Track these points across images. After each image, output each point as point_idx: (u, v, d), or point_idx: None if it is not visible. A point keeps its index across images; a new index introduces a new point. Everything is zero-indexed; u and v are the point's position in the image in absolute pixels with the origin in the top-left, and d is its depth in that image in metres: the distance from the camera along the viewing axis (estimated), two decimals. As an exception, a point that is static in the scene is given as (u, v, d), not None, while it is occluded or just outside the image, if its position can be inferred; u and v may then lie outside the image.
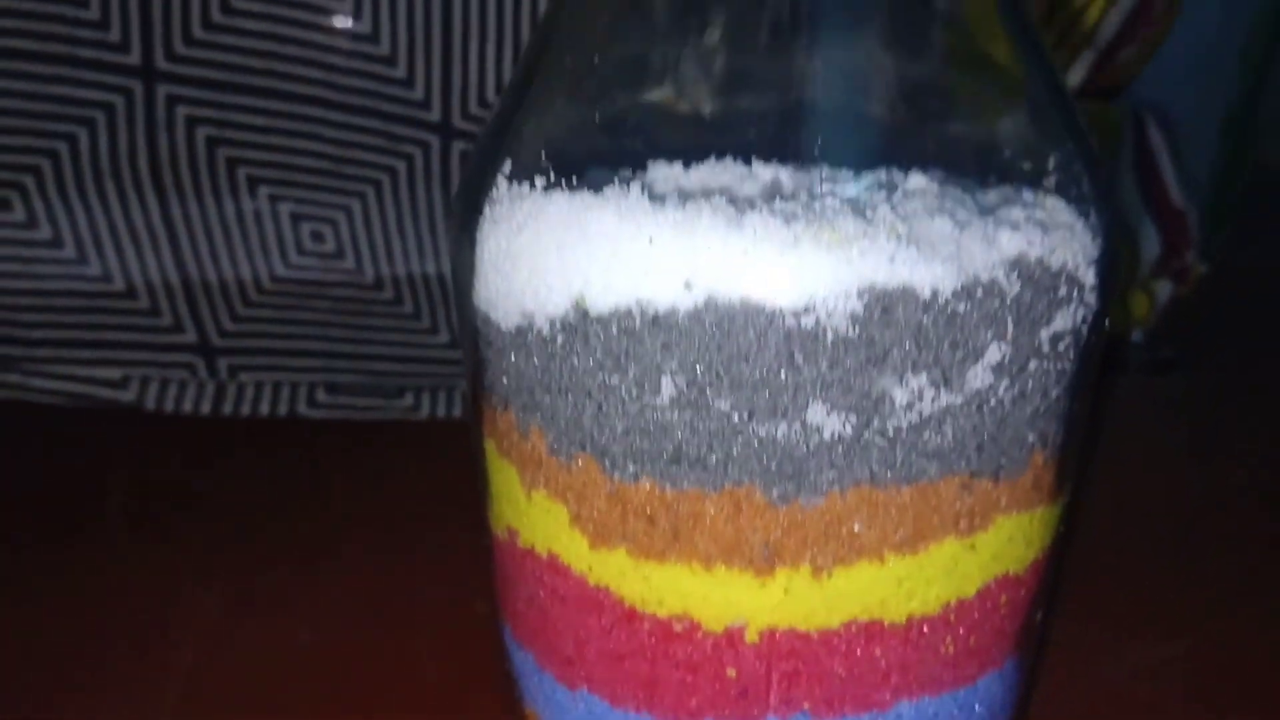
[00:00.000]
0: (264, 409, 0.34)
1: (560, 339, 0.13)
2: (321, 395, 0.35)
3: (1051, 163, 0.14)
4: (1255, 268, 0.68)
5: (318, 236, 0.34)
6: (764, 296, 0.11)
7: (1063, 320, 0.13)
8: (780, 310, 0.11)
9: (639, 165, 0.15)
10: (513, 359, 0.13)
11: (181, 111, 0.31)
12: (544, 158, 0.15)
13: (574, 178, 0.15)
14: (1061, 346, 0.13)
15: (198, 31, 0.30)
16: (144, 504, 0.32)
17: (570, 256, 0.12)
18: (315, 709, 0.23)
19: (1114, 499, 0.35)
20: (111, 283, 0.33)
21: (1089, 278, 0.13)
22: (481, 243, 0.14)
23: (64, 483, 0.33)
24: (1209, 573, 0.32)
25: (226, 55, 0.31)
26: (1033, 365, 0.13)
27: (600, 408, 0.13)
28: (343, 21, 0.31)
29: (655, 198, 0.12)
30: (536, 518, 0.14)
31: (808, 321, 0.11)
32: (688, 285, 0.12)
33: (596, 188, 0.13)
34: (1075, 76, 0.41)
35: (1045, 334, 0.12)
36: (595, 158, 0.15)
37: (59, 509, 0.31)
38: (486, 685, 0.21)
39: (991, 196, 0.14)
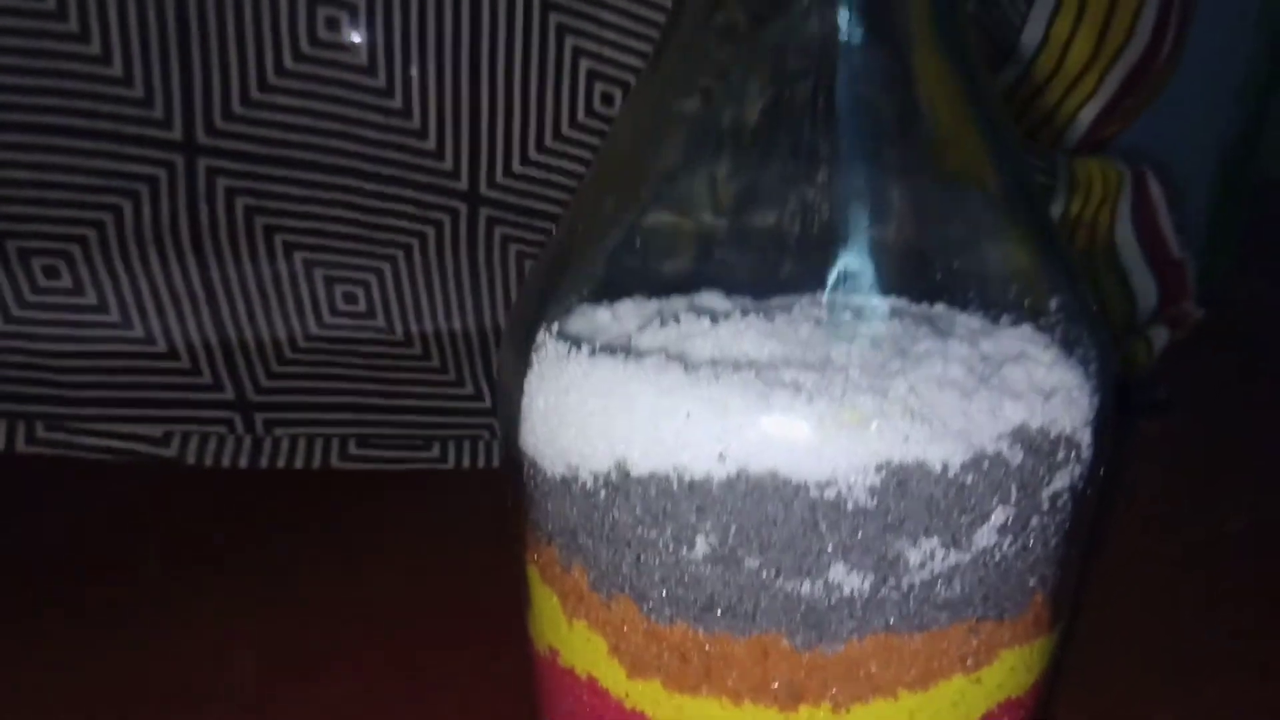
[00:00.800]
0: (299, 462, 0.36)
1: (603, 493, 0.14)
2: (353, 448, 0.36)
3: (1054, 314, 0.16)
4: (1252, 305, 0.69)
5: (350, 298, 0.35)
6: (790, 470, 0.13)
7: (1061, 480, 0.14)
8: (805, 483, 0.13)
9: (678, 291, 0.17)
10: (557, 503, 0.15)
11: (221, 183, 0.32)
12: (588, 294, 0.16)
13: (614, 307, 0.17)
14: (1060, 502, 0.14)
15: (237, 107, 0.32)
16: (182, 558, 0.33)
17: (613, 422, 0.14)
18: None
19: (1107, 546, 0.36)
20: (154, 344, 0.34)
21: (1085, 438, 0.14)
22: (530, 395, 0.15)
23: (102, 536, 0.34)
24: (1206, 627, 0.33)
25: (264, 130, 0.32)
26: (1034, 522, 0.14)
27: (639, 557, 0.14)
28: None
29: (691, 367, 0.14)
30: (577, 644, 0.15)
31: (830, 493, 0.13)
32: (721, 457, 0.13)
33: (637, 344, 0.15)
34: (1077, 132, 0.43)
35: (1045, 494, 0.14)
36: (635, 286, 0.17)
37: (98, 563, 0.32)
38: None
39: (998, 343, 0.15)
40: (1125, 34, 0.41)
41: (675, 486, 0.13)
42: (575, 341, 0.15)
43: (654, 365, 0.14)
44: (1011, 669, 0.15)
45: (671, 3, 0.16)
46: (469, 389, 0.38)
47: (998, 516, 0.13)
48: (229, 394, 0.35)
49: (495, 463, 0.38)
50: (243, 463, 0.35)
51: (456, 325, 0.37)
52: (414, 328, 0.37)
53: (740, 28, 0.16)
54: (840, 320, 0.15)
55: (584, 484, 0.14)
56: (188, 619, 0.30)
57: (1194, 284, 0.46)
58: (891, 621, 0.13)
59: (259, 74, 0.31)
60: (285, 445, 0.36)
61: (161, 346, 0.34)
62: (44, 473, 0.35)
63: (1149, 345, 0.45)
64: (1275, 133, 0.74)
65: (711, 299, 0.18)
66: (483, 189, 0.34)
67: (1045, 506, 0.14)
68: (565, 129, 0.34)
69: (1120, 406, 0.44)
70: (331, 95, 0.32)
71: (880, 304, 0.16)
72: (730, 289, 0.17)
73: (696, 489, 0.13)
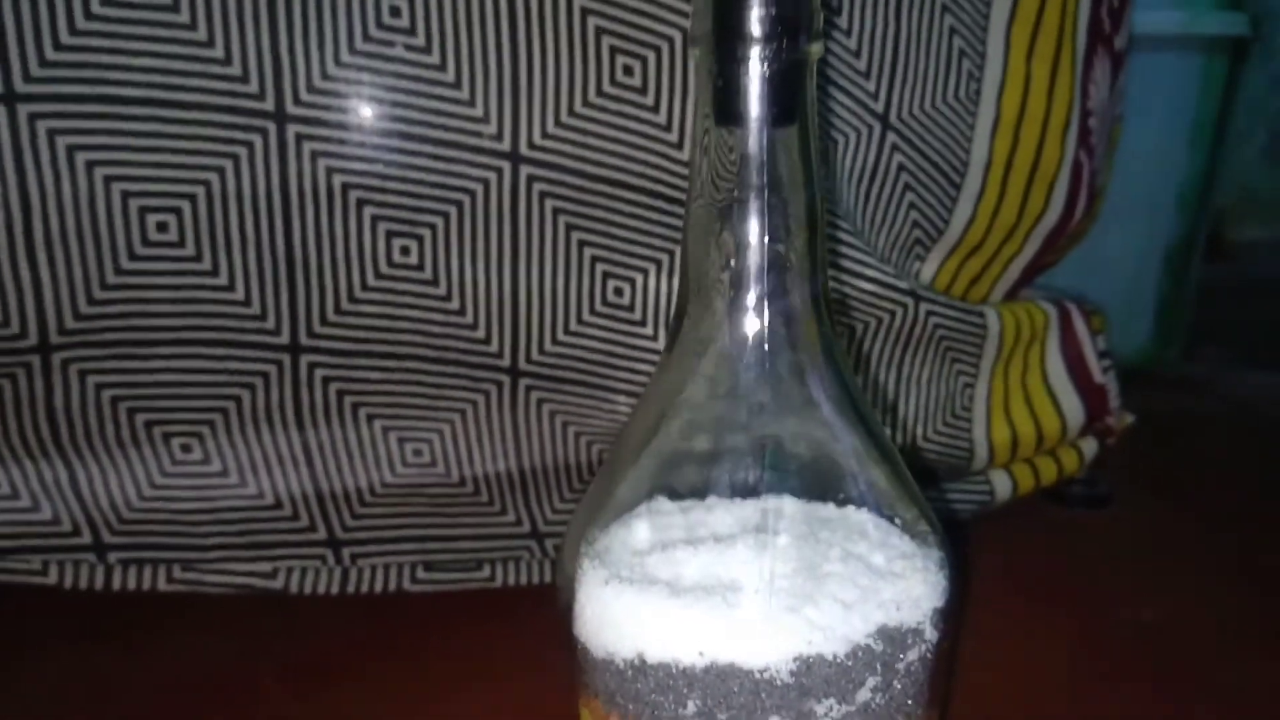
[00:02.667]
0: (378, 587, 0.45)
1: (629, 672, 0.23)
2: (421, 573, 0.45)
3: (917, 529, 0.24)
4: (1201, 390, 0.77)
5: (417, 452, 0.44)
6: (742, 661, 0.21)
7: (911, 655, 0.22)
8: (751, 669, 0.21)
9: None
10: (600, 674, 0.23)
11: (319, 374, 0.42)
12: (613, 533, 0.25)
13: (633, 527, 0.25)
14: (911, 669, 0.23)
15: (331, 315, 0.41)
16: (292, 668, 0.42)
17: (634, 630, 0.22)
18: None
19: (1022, 629, 0.44)
20: (264, 498, 0.43)
21: (926, 628, 0.23)
22: (579, 602, 0.24)
23: (226, 653, 0.43)
24: (1109, 705, 0.41)
25: (352, 331, 0.41)
26: (895, 683, 0.22)
27: (653, 712, 0.22)
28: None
29: (680, 591, 0.22)
30: (616, 762, 0.24)
31: (766, 675, 0.21)
32: (700, 653, 0.22)
33: (648, 568, 0.23)
34: (1001, 289, 0.52)
35: (900, 666, 0.22)
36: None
37: (223, 680, 0.41)
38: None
39: (876, 554, 0.24)
40: (1043, 203, 0.50)
41: (674, 670, 0.22)
42: (607, 567, 0.23)
43: (657, 593, 0.22)
44: (891, 774, 0.23)
45: (672, 320, 0.25)
46: (511, 517, 0.47)
47: (870, 683, 0.22)
48: (322, 534, 0.44)
49: (534, 580, 0.47)
50: (334, 590, 0.44)
51: (501, 468, 0.46)
52: (467, 472, 0.45)
53: (705, 350, 0.25)
54: (774, 545, 0.24)
55: (617, 665, 0.23)
56: (298, 713, 0.39)
57: (1116, 401, 0.54)
58: (808, 750, 0.22)
59: (349, 289, 0.41)
60: (367, 573, 0.45)
61: (270, 500, 0.43)
62: (181, 604, 0.44)
63: (1080, 454, 0.54)
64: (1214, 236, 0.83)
65: (710, 514, 0.26)
66: (521, 365, 0.43)
67: (901, 673, 0.22)
68: (585, 316, 0.43)
69: (1064, 500, 0.53)
70: (404, 302, 0.41)
71: (803, 519, 0.25)
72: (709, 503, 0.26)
73: (686, 672, 0.22)
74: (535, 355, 0.43)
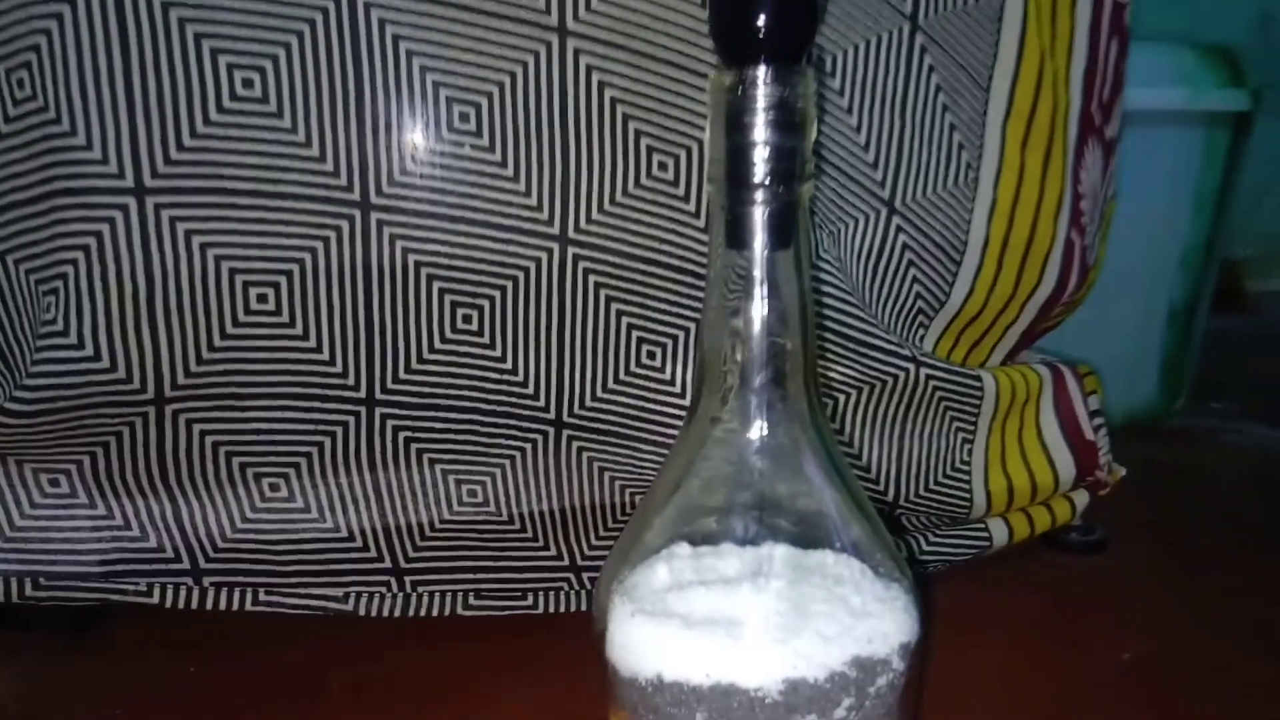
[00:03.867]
0: (435, 611, 0.50)
1: (649, 689, 0.28)
2: (473, 600, 0.51)
3: (904, 582, 0.30)
4: (1201, 440, 0.81)
5: (472, 493, 0.50)
6: (741, 682, 0.27)
7: (881, 681, 0.28)
8: (748, 689, 0.27)
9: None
10: (626, 691, 0.29)
11: (390, 424, 0.48)
12: (639, 572, 0.30)
13: (655, 569, 0.31)
14: (881, 693, 0.28)
15: (402, 374, 0.47)
16: (357, 674, 0.48)
17: (653, 655, 0.28)
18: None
19: (1010, 664, 0.49)
20: (339, 531, 0.49)
21: (895, 660, 0.28)
22: (611, 629, 0.29)
23: (303, 666, 0.49)
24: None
25: (419, 388, 0.47)
26: (867, 704, 0.28)
27: (670, 721, 0.28)
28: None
29: (691, 624, 0.28)
30: (639, 762, 0.29)
31: (759, 694, 0.27)
32: (707, 675, 0.27)
33: (667, 603, 0.29)
34: (1000, 353, 0.57)
35: (871, 690, 0.28)
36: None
37: (299, 679, 0.47)
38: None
39: (860, 597, 0.29)
40: (1037, 278, 0.55)
41: (686, 688, 0.27)
42: (633, 601, 0.29)
43: (673, 625, 0.28)
44: (864, 777, 0.28)
45: (688, 409, 0.31)
46: (552, 551, 0.52)
47: (845, 703, 0.27)
48: (387, 564, 0.50)
49: (571, 608, 0.52)
50: (396, 613, 0.50)
51: (544, 508, 0.51)
52: (515, 511, 0.51)
53: (717, 423, 0.31)
54: (770, 587, 0.29)
55: (640, 683, 0.28)
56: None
57: (1106, 457, 0.59)
58: (794, 755, 0.27)
59: (418, 351, 0.47)
60: (426, 599, 0.51)
61: (344, 533, 0.49)
62: (261, 622, 0.50)
63: (1072, 505, 0.59)
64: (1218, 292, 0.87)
65: (719, 559, 0.32)
66: (565, 418, 0.49)
67: (872, 695, 0.28)
68: (622, 376, 0.49)
69: (1062, 546, 0.58)
70: (464, 363, 0.47)
71: (794, 564, 0.30)
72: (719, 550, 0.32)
73: (696, 690, 0.27)
74: (577, 409, 0.49)
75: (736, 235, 0.29)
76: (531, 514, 0.51)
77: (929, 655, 0.46)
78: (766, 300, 0.29)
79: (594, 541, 0.53)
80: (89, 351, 0.43)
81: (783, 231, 0.29)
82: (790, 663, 0.27)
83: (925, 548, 0.56)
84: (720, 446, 0.31)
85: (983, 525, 0.57)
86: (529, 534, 0.52)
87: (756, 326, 0.29)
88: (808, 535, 0.30)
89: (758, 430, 0.30)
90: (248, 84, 0.42)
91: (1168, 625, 0.55)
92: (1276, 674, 0.50)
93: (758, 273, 0.29)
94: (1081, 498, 0.59)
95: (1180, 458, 0.78)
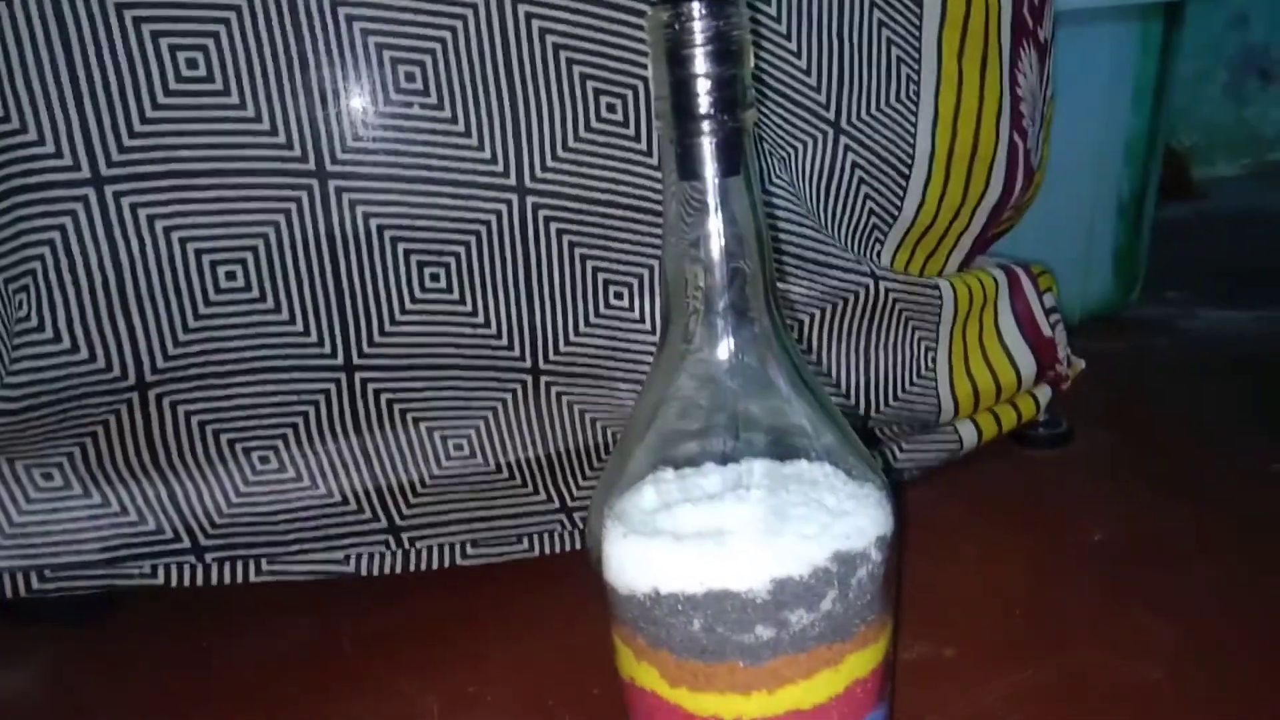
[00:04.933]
0: (434, 564, 0.52)
1: (648, 602, 0.30)
2: (469, 549, 0.53)
3: (876, 480, 0.31)
4: (1151, 342, 0.84)
5: (458, 447, 0.51)
6: (733, 587, 0.29)
7: (861, 573, 0.30)
8: (739, 592, 0.29)
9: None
10: (625, 606, 0.31)
11: (371, 387, 0.49)
12: (630, 485, 0.32)
13: (643, 491, 0.32)
14: (863, 584, 0.30)
15: (376, 336, 0.48)
16: (365, 635, 0.50)
17: (648, 569, 0.30)
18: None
19: (988, 554, 0.51)
20: (332, 497, 0.50)
21: (873, 552, 0.30)
22: (606, 550, 0.31)
23: (311, 628, 0.51)
24: (1057, 613, 0.48)
25: (396, 349, 0.48)
26: (850, 594, 0.30)
27: (668, 632, 0.30)
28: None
29: (682, 538, 0.30)
30: (642, 673, 0.31)
31: (749, 595, 0.29)
32: (700, 583, 0.29)
33: (657, 522, 0.31)
34: (956, 261, 0.58)
35: (853, 582, 0.29)
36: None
37: (311, 641, 0.49)
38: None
39: (830, 497, 0.31)
40: (984, 183, 0.57)
41: (681, 598, 0.29)
42: (624, 524, 0.31)
43: (664, 541, 0.30)
44: (854, 664, 0.30)
45: (659, 333, 0.32)
46: (542, 496, 0.54)
47: (830, 595, 0.29)
48: (383, 523, 0.51)
49: (566, 548, 0.54)
50: (397, 569, 0.52)
51: (530, 454, 0.53)
52: (502, 460, 0.53)
53: (687, 349, 0.32)
54: (751, 497, 0.31)
55: (638, 598, 0.30)
56: (379, 673, 0.46)
57: (1065, 351, 0.61)
58: (788, 649, 0.29)
59: (390, 313, 0.48)
60: (424, 554, 0.52)
61: (337, 498, 0.50)
62: (272, 593, 0.51)
63: (1036, 401, 0.61)
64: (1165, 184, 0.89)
65: (689, 478, 0.33)
66: (541, 365, 0.50)
67: (853, 587, 0.30)
68: (592, 319, 0.50)
69: (1029, 441, 0.61)
70: (437, 320, 0.48)
71: (772, 474, 0.32)
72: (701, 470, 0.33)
73: (692, 599, 0.29)
74: (552, 356, 0.50)
75: (687, 166, 0.30)
76: (518, 462, 0.53)
77: (906, 550, 0.48)
78: (722, 226, 0.30)
79: (582, 483, 0.54)
80: (66, 344, 0.44)
81: (731, 158, 0.30)
82: (776, 564, 0.29)
83: (899, 455, 0.58)
84: (692, 372, 0.32)
85: (952, 429, 0.59)
86: (518, 481, 0.53)
87: (715, 252, 0.31)
88: (782, 447, 0.32)
89: (726, 352, 0.32)
90: (191, 64, 0.42)
91: (1135, 506, 0.57)
92: (1239, 539, 0.52)
93: (711, 201, 0.30)
94: (1044, 393, 0.61)
95: (1138, 347, 0.81)
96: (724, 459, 0.33)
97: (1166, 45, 0.82)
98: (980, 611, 0.48)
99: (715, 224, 0.30)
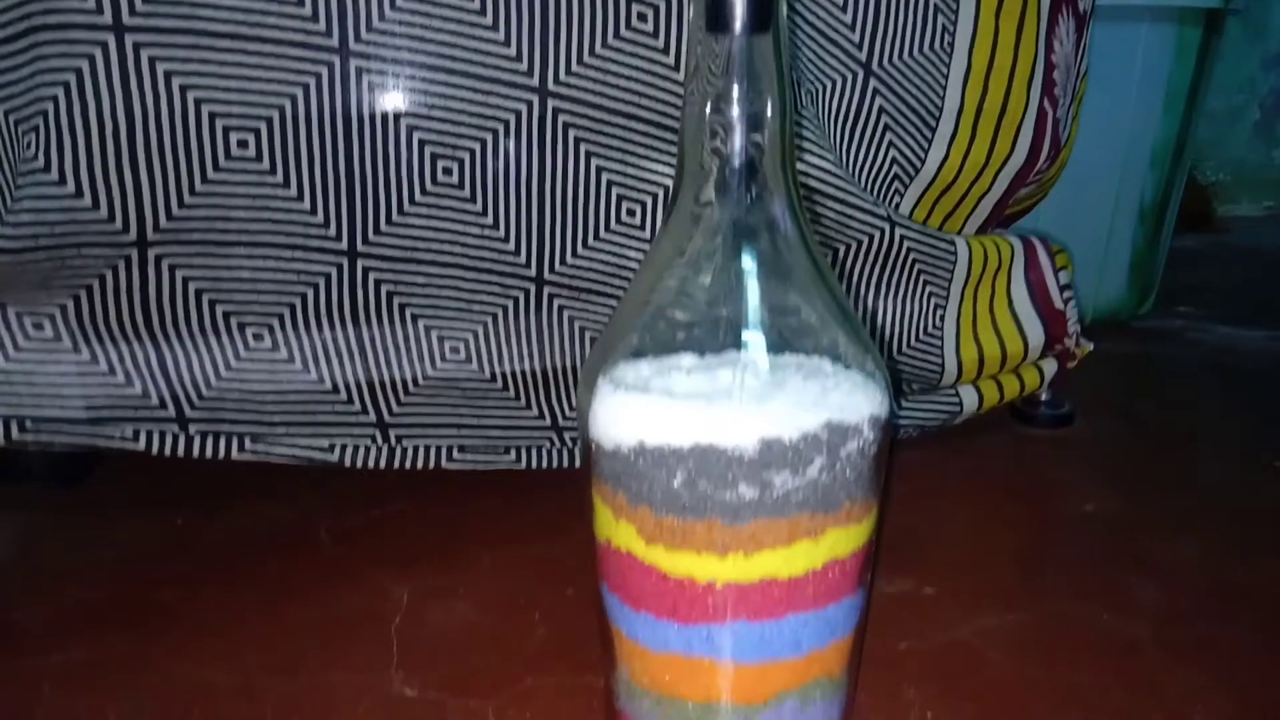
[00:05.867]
0: (419, 464, 0.51)
1: (632, 456, 0.29)
2: (456, 454, 0.52)
3: (861, 361, 0.31)
4: (1163, 349, 0.83)
5: (454, 350, 0.51)
6: (719, 443, 0.28)
7: (850, 446, 0.29)
8: (725, 448, 0.28)
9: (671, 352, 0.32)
10: (609, 461, 0.30)
11: (372, 276, 0.48)
12: (625, 358, 0.31)
13: (639, 362, 0.32)
14: (852, 459, 0.29)
15: (383, 226, 0.48)
16: (345, 525, 0.49)
17: (636, 423, 0.29)
18: (476, 653, 0.39)
19: (979, 514, 0.51)
20: (323, 384, 0.50)
21: (865, 428, 0.29)
22: (595, 406, 0.30)
23: (288, 514, 0.50)
24: (1042, 568, 0.47)
25: (400, 239, 0.48)
26: (838, 466, 0.29)
27: (649, 486, 0.29)
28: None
29: (673, 396, 0.29)
30: (620, 532, 0.30)
31: (736, 452, 0.28)
32: (687, 437, 0.28)
33: (650, 383, 0.30)
34: (973, 225, 0.58)
35: (842, 452, 0.29)
36: (649, 352, 0.32)
37: (288, 531, 0.48)
38: (574, 641, 0.38)
39: (827, 378, 0.30)
40: (1009, 146, 0.56)
41: (667, 451, 0.28)
42: (617, 383, 0.30)
43: (655, 396, 0.29)
44: (835, 540, 0.30)
45: (670, 195, 0.32)
46: (534, 412, 0.53)
47: (817, 462, 0.28)
48: (372, 417, 0.51)
49: (554, 465, 0.54)
50: (382, 464, 0.51)
51: (527, 367, 0.52)
52: (497, 369, 0.52)
53: (698, 218, 0.31)
54: (747, 369, 0.30)
55: (624, 452, 0.29)
56: (355, 565, 0.46)
57: (1075, 327, 0.61)
58: (769, 512, 0.28)
59: (399, 203, 0.47)
60: (410, 452, 0.51)
61: (328, 385, 0.50)
62: (251, 472, 0.51)
63: (1041, 373, 0.60)
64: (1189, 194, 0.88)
65: (686, 358, 0.33)
66: (545, 275, 0.50)
67: (842, 458, 0.29)
68: (601, 233, 0.50)
69: (1031, 420, 0.60)
70: (445, 216, 0.48)
71: (766, 358, 0.31)
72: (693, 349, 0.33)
73: (676, 452, 0.28)
74: (557, 266, 0.50)
75: (716, 16, 0.29)
76: (513, 373, 0.52)
77: (895, 504, 0.48)
78: (746, 85, 0.30)
79: (574, 403, 0.53)
80: (70, 189, 0.43)
81: (761, 13, 0.29)
82: (766, 423, 0.28)
83: (898, 412, 0.57)
84: (698, 245, 0.31)
85: (953, 391, 0.59)
86: (511, 393, 0.53)
87: (736, 112, 0.30)
88: (786, 328, 0.31)
89: (739, 215, 0.31)
90: (225, -81, 0.42)
91: (1130, 483, 0.57)
92: (1233, 521, 0.51)
93: (737, 56, 0.30)
94: (1050, 366, 0.61)
95: (1148, 351, 0.80)
96: (725, 332, 0.32)
97: (1203, 54, 0.81)
98: (965, 560, 0.47)
99: (738, 82, 0.30)
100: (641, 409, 0.29)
